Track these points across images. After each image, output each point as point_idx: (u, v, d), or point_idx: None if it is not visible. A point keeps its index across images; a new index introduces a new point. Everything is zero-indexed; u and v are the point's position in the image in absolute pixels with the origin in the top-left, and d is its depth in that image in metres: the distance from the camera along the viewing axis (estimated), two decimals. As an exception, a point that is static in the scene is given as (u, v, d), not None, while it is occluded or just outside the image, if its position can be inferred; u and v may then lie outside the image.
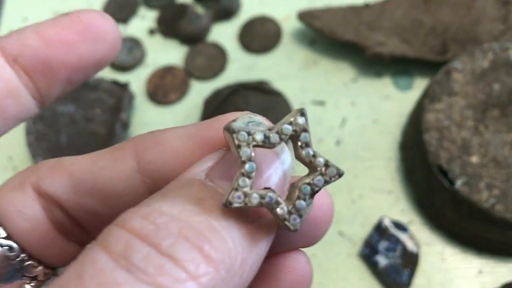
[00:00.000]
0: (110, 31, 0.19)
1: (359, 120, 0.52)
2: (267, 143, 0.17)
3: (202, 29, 0.57)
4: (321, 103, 0.53)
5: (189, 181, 0.17)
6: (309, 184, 0.17)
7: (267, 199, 0.16)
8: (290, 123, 0.17)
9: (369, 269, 0.45)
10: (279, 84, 0.54)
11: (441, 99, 0.44)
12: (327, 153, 0.50)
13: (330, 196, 0.19)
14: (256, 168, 0.16)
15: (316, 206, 0.18)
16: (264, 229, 0.17)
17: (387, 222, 0.45)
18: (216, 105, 0.52)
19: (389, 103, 0.52)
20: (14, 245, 0.19)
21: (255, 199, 0.16)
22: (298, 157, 0.17)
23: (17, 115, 0.19)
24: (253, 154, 0.16)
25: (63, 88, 0.19)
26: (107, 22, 0.19)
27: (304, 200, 0.17)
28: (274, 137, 0.17)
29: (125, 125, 0.51)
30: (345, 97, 0.53)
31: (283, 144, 0.18)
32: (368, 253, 0.45)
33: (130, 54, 0.58)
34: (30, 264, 0.20)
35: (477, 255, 0.44)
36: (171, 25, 0.59)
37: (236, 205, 0.16)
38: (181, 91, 0.55)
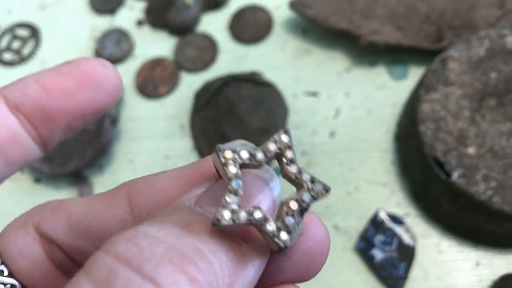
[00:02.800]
0: (110, 79, 0.19)
1: (353, 110, 0.50)
2: (252, 161, 0.17)
3: (191, 20, 0.56)
4: (314, 93, 0.52)
5: (178, 207, 0.17)
6: (296, 200, 0.17)
7: (255, 216, 0.16)
8: (275, 141, 0.17)
9: (365, 263, 0.44)
10: (271, 74, 0.53)
11: (437, 89, 0.43)
12: (321, 145, 0.49)
13: (324, 228, 0.18)
14: (245, 192, 0.16)
15: (308, 237, 0.18)
16: (253, 252, 0.16)
17: (383, 215, 0.44)
18: (207, 97, 0.51)
19: (384, 93, 0.51)
20: (16, 283, 0.20)
21: (243, 216, 0.16)
22: (284, 174, 0.18)
23: (20, 160, 0.20)
24: (239, 172, 0.16)
25: (64, 134, 0.20)
26: (107, 70, 0.19)
27: (293, 216, 0.16)
28: (259, 155, 0.17)
29: (114, 121, 0.50)
30: (339, 87, 0.52)
31: (272, 172, 0.18)
32: (364, 247, 0.44)
33: (118, 46, 0.56)
34: None
35: (474, 247, 0.44)
36: (160, 16, 0.58)
37: (224, 222, 0.16)
38: (171, 83, 0.54)
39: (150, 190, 0.19)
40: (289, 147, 0.17)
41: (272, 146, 0.17)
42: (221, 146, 0.17)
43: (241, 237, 0.17)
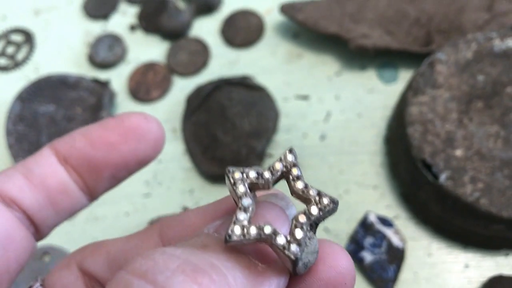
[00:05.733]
0: (152, 131, 0.21)
1: (343, 114, 0.51)
2: (260, 180, 0.18)
3: (183, 24, 0.56)
4: (305, 97, 0.52)
5: (197, 235, 0.18)
6: (304, 213, 0.17)
7: (265, 231, 0.16)
8: (280, 160, 0.18)
9: (355, 265, 0.44)
10: (262, 78, 0.53)
11: (425, 92, 0.44)
12: (311, 148, 0.49)
13: (348, 257, 0.18)
14: (261, 219, 0.17)
15: (330, 266, 0.18)
16: (270, 272, 0.17)
17: (372, 218, 0.44)
18: (198, 101, 0.51)
19: (374, 96, 0.51)
20: None
21: (253, 231, 0.16)
22: (292, 192, 0.18)
23: (68, 208, 0.21)
24: (248, 190, 0.17)
25: (109, 183, 0.21)
26: (149, 123, 0.21)
27: (301, 228, 0.17)
28: (266, 174, 0.18)
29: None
30: (329, 90, 0.52)
31: (288, 200, 0.19)
32: (354, 249, 0.44)
33: (111, 51, 0.57)
34: None
35: (463, 249, 0.44)
36: (152, 20, 0.58)
37: (235, 238, 0.16)
38: (163, 87, 0.54)
39: (179, 225, 0.20)
40: (295, 165, 0.18)
41: (278, 165, 0.18)
42: (231, 168, 0.18)
43: (258, 258, 0.17)
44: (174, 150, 0.51)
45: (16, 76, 0.57)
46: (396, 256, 0.43)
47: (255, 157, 0.48)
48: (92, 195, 0.21)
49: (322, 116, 0.51)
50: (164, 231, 0.20)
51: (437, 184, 0.40)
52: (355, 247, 0.44)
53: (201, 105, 0.52)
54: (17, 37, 0.60)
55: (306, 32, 0.55)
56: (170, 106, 0.54)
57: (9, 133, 0.52)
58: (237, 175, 0.18)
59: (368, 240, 0.44)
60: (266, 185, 0.18)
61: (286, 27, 0.56)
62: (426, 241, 0.44)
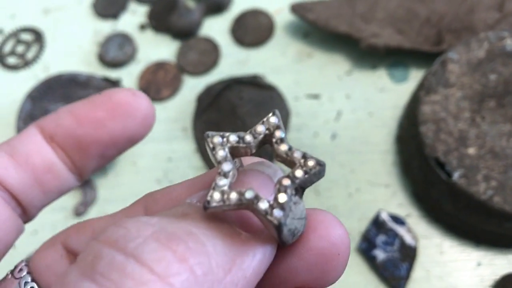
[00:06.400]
0: (141, 108, 0.20)
1: (354, 113, 0.51)
2: (241, 143, 0.17)
3: (193, 24, 0.56)
4: (315, 96, 0.52)
5: (179, 205, 0.17)
6: (288, 176, 0.16)
7: (246, 196, 0.15)
8: (263, 123, 0.17)
9: (367, 263, 0.44)
10: (272, 78, 0.53)
11: (437, 91, 0.44)
12: (322, 147, 0.50)
13: (341, 226, 0.17)
14: (241, 180, 0.16)
15: (321, 235, 0.17)
16: (254, 241, 0.16)
17: (384, 216, 0.45)
18: (209, 100, 0.51)
19: (385, 96, 0.51)
20: None
21: (233, 197, 0.15)
22: (276, 156, 0.17)
23: (56, 189, 0.20)
24: (229, 155, 0.17)
25: (98, 163, 0.21)
26: (138, 100, 0.20)
27: (285, 192, 0.16)
28: (248, 137, 0.17)
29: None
30: (340, 90, 0.52)
31: (276, 167, 0.18)
32: (366, 248, 0.44)
33: (121, 50, 0.57)
34: None
35: (476, 248, 0.44)
36: (162, 20, 0.58)
37: (214, 204, 0.15)
38: (174, 87, 0.55)
39: (165, 198, 0.19)
40: (278, 127, 0.17)
41: (260, 128, 0.17)
42: (210, 132, 0.17)
43: (242, 227, 0.16)
44: (184, 149, 0.51)
45: (26, 75, 0.57)
46: (409, 254, 0.43)
47: (266, 155, 0.49)
48: (81, 174, 0.21)
49: (333, 115, 0.51)
50: (149, 205, 0.20)
51: (450, 183, 0.41)
52: (367, 245, 0.44)
53: (211, 104, 0.52)
54: (26, 36, 0.60)
55: (316, 32, 0.56)
56: (180, 105, 0.54)
57: (20, 132, 0.52)
58: (217, 139, 0.17)
59: (381, 238, 0.44)
60: (248, 149, 0.17)
61: (296, 27, 0.56)
62: (438, 239, 0.45)
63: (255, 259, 0.16)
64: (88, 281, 0.13)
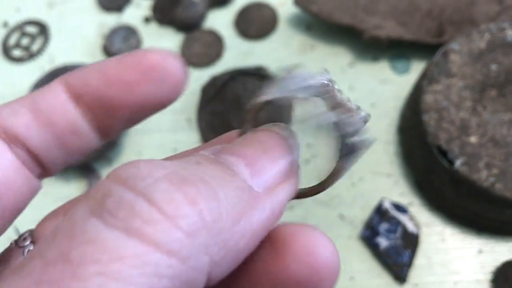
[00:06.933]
0: (175, 73, 0.18)
1: (357, 104, 0.51)
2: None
3: (197, 16, 0.57)
4: (318, 88, 0.53)
5: (193, 155, 0.16)
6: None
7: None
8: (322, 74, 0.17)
9: (370, 250, 0.45)
10: (276, 70, 0.54)
11: (439, 81, 0.44)
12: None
13: (334, 250, 0.15)
14: (250, 136, 0.17)
15: (302, 262, 0.15)
16: (265, 196, 0.16)
17: (387, 204, 0.45)
18: (213, 91, 0.52)
19: (387, 87, 0.52)
20: None
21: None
22: (334, 106, 0.17)
23: (79, 149, 0.19)
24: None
25: (125, 125, 0.20)
26: (173, 63, 0.18)
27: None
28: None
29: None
30: (343, 81, 0.53)
31: (294, 133, 0.18)
32: (369, 235, 0.45)
33: (126, 43, 0.57)
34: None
35: (477, 235, 0.45)
36: (167, 12, 0.59)
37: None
38: (178, 78, 0.55)
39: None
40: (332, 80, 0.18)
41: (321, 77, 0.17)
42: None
43: (255, 179, 0.16)
44: (189, 140, 0.52)
45: (32, 67, 0.58)
46: (411, 241, 0.44)
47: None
48: (106, 135, 0.20)
49: (335, 106, 0.52)
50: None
51: (452, 170, 0.41)
52: (370, 232, 0.45)
53: (216, 95, 0.52)
54: (31, 29, 0.61)
55: (319, 24, 0.56)
56: (185, 96, 0.54)
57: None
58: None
59: (383, 226, 0.45)
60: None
61: (299, 19, 0.57)
62: (440, 227, 0.45)
63: (264, 214, 0.15)
64: (95, 218, 0.13)
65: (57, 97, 0.19)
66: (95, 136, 0.19)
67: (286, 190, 0.16)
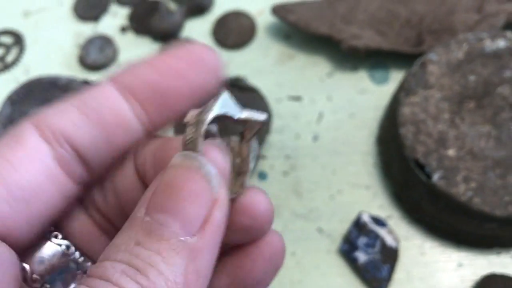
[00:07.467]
0: (215, 63, 0.21)
1: (335, 114, 0.51)
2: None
3: (175, 26, 0.56)
4: (297, 98, 0.52)
5: (132, 220, 0.18)
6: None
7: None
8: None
9: (349, 265, 0.44)
10: (254, 80, 0.53)
11: (417, 92, 0.44)
12: (304, 149, 0.49)
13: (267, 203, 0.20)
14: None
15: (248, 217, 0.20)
16: (200, 243, 0.17)
17: (365, 218, 0.45)
18: (190, 103, 0.51)
19: (366, 97, 0.51)
20: (70, 243, 0.21)
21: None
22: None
23: (125, 145, 0.20)
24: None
25: (171, 116, 0.21)
26: (213, 54, 0.21)
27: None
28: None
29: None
30: (321, 91, 0.52)
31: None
32: (348, 249, 0.44)
33: (102, 53, 0.56)
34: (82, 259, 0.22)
35: (456, 248, 0.44)
36: (143, 22, 0.58)
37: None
38: (155, 89, 0.54)
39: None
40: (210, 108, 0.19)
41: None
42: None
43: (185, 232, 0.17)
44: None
45: (6, 78, 0.57)
46: (390, 255, 0.43)
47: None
48: (154, 129, 0.21)
49: (314, 117, 0.51)
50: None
51: (430, 184, 0.41)
52: (349, 247, 0.44)
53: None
54: (6, 39, 0.59)
55: (297, 33, 0.56)
56: (162, 107, 0.53)
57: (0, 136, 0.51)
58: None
59: (362, 240, 0.44)
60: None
61: (278, 28, 0.56)
62: (419, 241, 0.45)
63: (204, 258, 0.17)
64: None
65: (109, 94, 0.20)
66: (141, 129, 0.20)
67: (217, 217, 0.18)
